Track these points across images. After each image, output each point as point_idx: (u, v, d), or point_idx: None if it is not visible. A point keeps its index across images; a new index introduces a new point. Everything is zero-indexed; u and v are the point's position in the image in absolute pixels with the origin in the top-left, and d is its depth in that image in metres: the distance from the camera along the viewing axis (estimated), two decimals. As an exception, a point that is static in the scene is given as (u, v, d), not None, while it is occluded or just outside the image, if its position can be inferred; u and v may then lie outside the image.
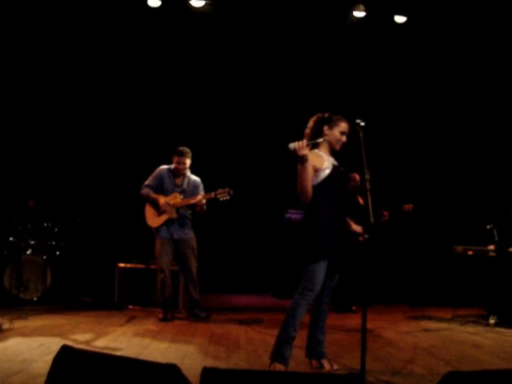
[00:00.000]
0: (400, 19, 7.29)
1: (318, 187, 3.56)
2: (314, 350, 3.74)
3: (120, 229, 7.32)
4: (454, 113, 7.96)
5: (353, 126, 3.48)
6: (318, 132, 3.62)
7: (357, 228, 3.69)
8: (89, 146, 7.61)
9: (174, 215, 5.65)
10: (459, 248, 6.33)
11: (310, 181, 3.46)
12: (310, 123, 3.70)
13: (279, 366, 3.49)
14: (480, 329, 5.58)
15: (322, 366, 3.69)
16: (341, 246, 3.60)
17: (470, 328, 5.61)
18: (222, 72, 7.84)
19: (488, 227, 5.97)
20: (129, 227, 7.20)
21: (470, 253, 6.22)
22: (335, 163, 3.68)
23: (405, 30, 7.42)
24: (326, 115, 3.68)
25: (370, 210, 2.99)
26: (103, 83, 7.65)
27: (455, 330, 5.48)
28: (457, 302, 6.45)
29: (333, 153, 3.69)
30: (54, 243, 6.63)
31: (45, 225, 6.59)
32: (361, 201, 6.72)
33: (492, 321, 5.77)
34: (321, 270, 3.53)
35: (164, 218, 5.65)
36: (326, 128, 3.65)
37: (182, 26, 7.43)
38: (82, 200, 7.38)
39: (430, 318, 6.11)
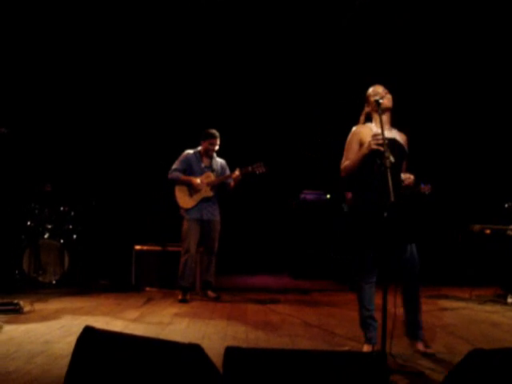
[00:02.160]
0: None
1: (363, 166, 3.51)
2: (408, 329, 3.67)
3: (136, 211, 7.36)
4: (469, 91, 7.82)
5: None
6: (368, 115, 3.66)
7: (405, 177, 3.55)
8: (105, 129, 7.63)
9: (210, 193, 5.75)
10: (476, 227, 6.27)
11: (359, 164, 3.45)
12: (361, 116, 3.73)
13: (365, 346, 3.53)
14: (498, 308, 5.55)
15: (415, 347, 3.62)
16: (397, 217, 3.35)
17: (489, 307, 5.59)
18: (236, 56, 7.77)
19: (506, 206, 5.90)
20: (145, 209, 7.24)
21: (488, 232, 6.17)
22: (390, 135, 3.51)
23: (414, 10, 7.27)
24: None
25: (391, 188, 2.95)
26: (121, 68, 7.62)
27: (473, 309, 5.46)
28: (474, 281, 6.42)
29: (391, 121, 3.63)
30: (70, 227, 6.67)
31: (61, 209, 6.63)
32: None
33: (510, 300, 5.75)
34: (367, 255, 3.48)
35: (199, 197, 5.73)
36: (367, 108, 3.67)
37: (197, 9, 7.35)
38: (98, 183, 7.41)
39: (447, 297, 6.09)
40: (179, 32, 7.52)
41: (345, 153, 3.58)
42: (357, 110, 3.76)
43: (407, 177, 3.58)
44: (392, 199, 2.92)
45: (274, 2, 7.18)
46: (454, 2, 6.96)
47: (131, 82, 7.68)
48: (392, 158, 3.23)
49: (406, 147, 3.64)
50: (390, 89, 3.68)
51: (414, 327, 3.63)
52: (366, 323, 3.55)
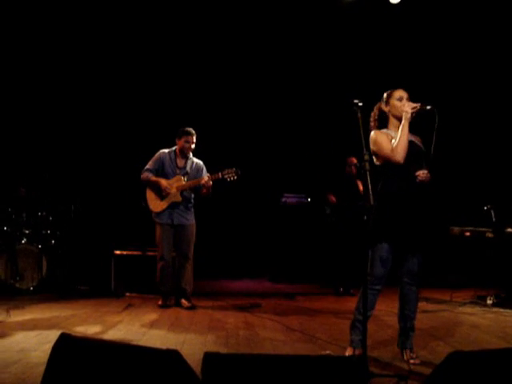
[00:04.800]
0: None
1: (384, 165, 3.50)
2: (399, 337, 3.62)
3: (115, 216, 7.28)
4: (450, 92, 7.89)
5: (350, 107, 3.42)
6: (383, 116, 3.62)
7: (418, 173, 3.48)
8: (83, 131, 7.55)
9: (179, 198, 5.47)
10: (456, 229, 6.34)
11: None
12: (372, 114, 3.67)
13: (348, 350, 3.52)
14: (478, 309, 5.61)
15: (402, 356, 3.55)
16: (410, 227, 3.43)
17: (468, 309, 5.64)
18: (218, 55, 7.77)
19: (485, 208, 5.96)
20: (124, 214, 7.16)
21: (467, 234, 6.23)
22: (410, 139, 3.53)
23: (400, 10, 7.34)
24: (383, 97, 3.65)
25: (370, 191, 2.94)
26: (94, 69, 7.55)
27: (454, 311, 5.50)
28: (454, 284, 6.47)
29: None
30: (48, 232, 6.56)
31: (39, 214, 6.51)
32: (360, 187, 6.68)
33: (489, 301, 5.81)
34: (380, 252, 3.41)
35: (168, 201, 5.47)
36: (384, 106, 3.62)
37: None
38: (77, 188, 7.31)
39: (427, 300, 6.11)
40: (158, 31, 7.49)
41: (380, 147, 3.47)
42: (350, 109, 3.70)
43: (420, 172, 3.46)
44: (371, 202, 2.92)
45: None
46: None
47: (109, 85, 7.62)
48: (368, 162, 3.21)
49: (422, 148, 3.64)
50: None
51: (403, 335, 3.59)
52: (354, 326, 3.52)
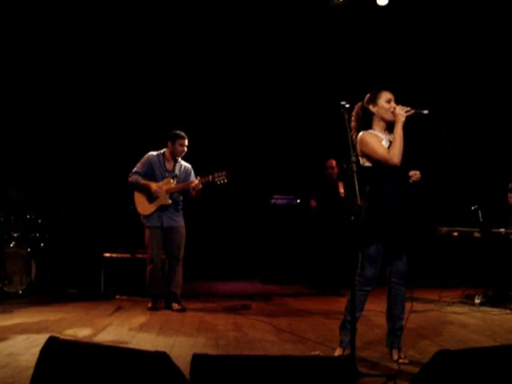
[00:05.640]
0: (382, 1, 7.26)
1: (375, 167, 3.49)
2: (388, 337, 3.64)
3: (105, 218, 7.25)
4: (437, 93, 7.94)
5: (337, 109, 3.43)
6: (366, 116, 3.59)
7: (412, 173, 3.59)
8: (72, 134, 7.51)
9: (168, 201, 5.44)
10: (444, 229, 6.39)
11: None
12: (354, 114, 3.62)
13: (337, 350, 3.54)
14: (466, 309, 5.66)
15: (390, 355, 3.57)
16: (402, 228, 3.45)
17: (457, 308, 5.69)
18: (206, 58, 7.78)
19: (472, 208, 6.00)
20: (113, 217, 7.14)
21: (455, 234, 6.28)
22: (392, 139, 3.54)
23: (387, 12, 7.39)
24: (366, 98, 3.62)
25: (357, 192, 2.97)
26: (88, 70, 7.53)
27: (442, 311, 5.55)
28: (443, 283, 6.52)
29: (390, 128, 3.55)
30: (37, 235, 6.51)
31: (28, 216, 6.47)
32: (341, 190, 6.69)
33: (477, 300, 5.86)
34: (370, 253, 3.42)
35: (157, 204, 5.44)
36: (371, 107, 3.57)
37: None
38: (66, 190, 7.28)
39: (416, 300, 6.13)
40: (148, 36, 7.49)
41: (374, 149, 3.45)
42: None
43: (413, 173, 3.59)
44: (358, 203, 2.94)
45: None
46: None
47: (96, 89, 7.61)
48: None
49: None
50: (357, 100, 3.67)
51: (391, 335, 3.60)
52: (344, 326, 3.53)
